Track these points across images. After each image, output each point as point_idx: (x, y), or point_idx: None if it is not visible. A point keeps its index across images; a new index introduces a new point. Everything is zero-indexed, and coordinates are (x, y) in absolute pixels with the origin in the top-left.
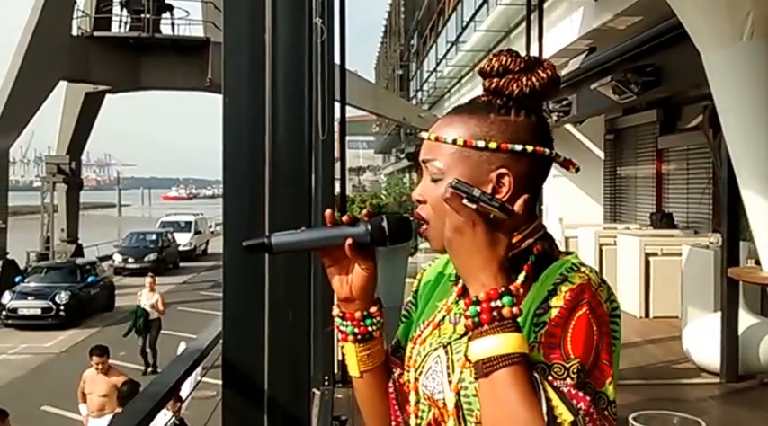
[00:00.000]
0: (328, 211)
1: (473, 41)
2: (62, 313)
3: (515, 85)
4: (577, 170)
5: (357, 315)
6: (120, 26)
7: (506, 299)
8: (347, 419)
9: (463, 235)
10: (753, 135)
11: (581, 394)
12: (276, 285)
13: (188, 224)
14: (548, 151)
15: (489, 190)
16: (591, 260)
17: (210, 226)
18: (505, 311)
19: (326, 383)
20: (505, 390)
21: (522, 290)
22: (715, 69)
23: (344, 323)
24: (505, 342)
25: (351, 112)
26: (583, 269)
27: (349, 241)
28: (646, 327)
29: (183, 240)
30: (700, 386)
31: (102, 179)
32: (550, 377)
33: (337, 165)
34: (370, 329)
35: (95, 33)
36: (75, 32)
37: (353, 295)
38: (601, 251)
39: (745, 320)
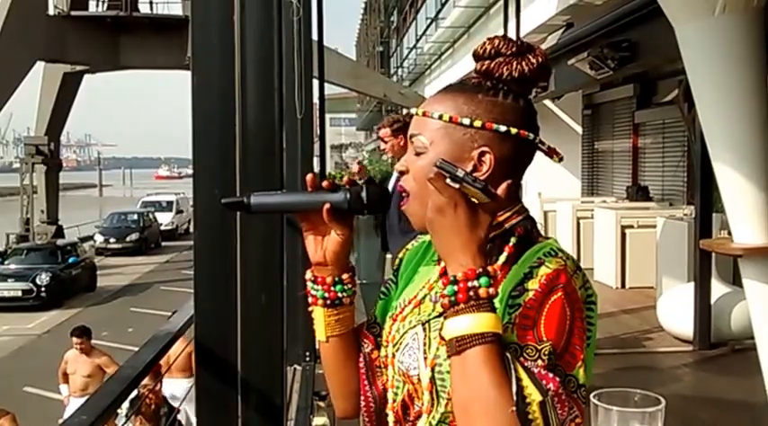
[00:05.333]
0: (310, 175)
1: (452, 18)
2: (43, 294)
3: (505, 68)
4: (561, 159)
5: (329, 280)
6: (97, 5)
7: (483, 280)
8: (327, 394)
9: (445, 215)
10: (724, 109)
11: (551, 375)
12: (248, 266)
13: (169, 203)
14: (531, 136)
15: (470, 168)
16: (569, 233)
17: (193, 205)
18: (482, 291)
19: (308, 359)
20: (477, 368)
21: (500, 272)
22: (687, 44)
23: (316, 286)
24: (480, 322)
25: (333, 90)
26: (560, 254)
27: (327, 206)
28: (621, 297)
29: (165, 219)
30: (673, 354)
31: (83, 159)
32: (522, 358)
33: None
34: (340, 295)
35: (72, 12)
36: (51, 12)
37: (327, 260)
38: (578, 224)
39: (718, 289)
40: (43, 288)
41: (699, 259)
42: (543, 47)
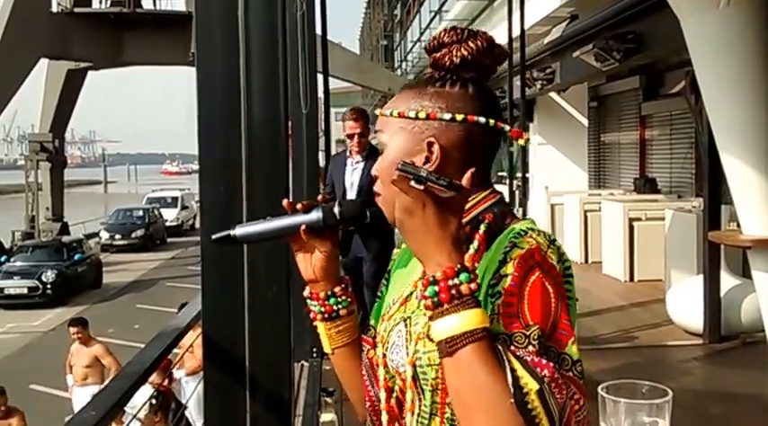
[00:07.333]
0: (285, 201)
1: (456, 11)
2: (49, 291)
3: (447, 57)
4: (527, 141)
5: (322, 295)
6: (100, 1)
7: (463, 276)
8: (335, 390)
9: (414, 216)
10: (731, 100)
11: (544, 361)
12: (255, 262)
13: (174, 199)
14: (482, 120)
15: (423, 159)
16: (576, 226)
17: (198, 201)
18: (464, 288)
19: (315, 355)
20: (470, 367)
21: (477, 264)
22: (693, 36)
23: (312, 302)
24: (467, 319)
25: (337, 84)
26: (531, 233)
27: (303, 227)
28: (630, 291)
29: (170, 215)
30: (684, 347)
31: (87, 156)
32: (513, 347)
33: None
34: (335, 308)
35: (75, 9)
36: (54, 9)
37: (317, 276)
38: (586, 217)
39: (727, 282)
40: (49, 286)
41: (708, 251)
42: (548, 39)
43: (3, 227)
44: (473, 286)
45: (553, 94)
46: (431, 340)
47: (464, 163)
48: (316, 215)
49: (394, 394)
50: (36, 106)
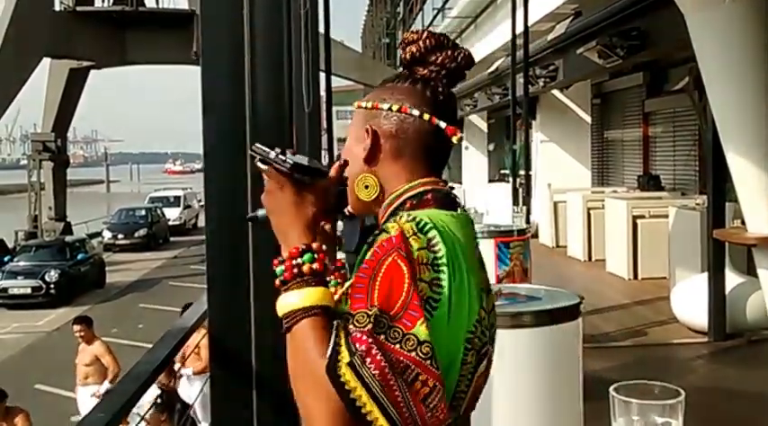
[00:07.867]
0: None
1: (459, 8)
2: (52, 291)
3: (403, 55)
4: (460, 139)
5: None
6: (103, 0)
7: (307, 256)
8: None
9: (273, 196)
10: (735, 97)
11: (364, 337)
12: (261, 260)
13: (177, 198)
14: (415, 112)
15: (365, 145)
16: (579, 224)
17: (200, 200)
18: (305, 267)
19: None
20: (302, 341)
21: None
22: (698, 32)
23: None
24: (305, 296)
25: (339, 82)
26: (401, 219)
27: None
28: (634, 289)
29: (173, 215)
30: (688, 345)
31: (90, 155)
32: (351, 326)
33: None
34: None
35: (78, 8)
36: (57, 8)
37: None
38: (589, 214)
39: (732, 280)
40: (52, 286)
41: (712, 249)
42: (551, 36)
43: (6, 227)
44: (315, 266)
45: (556, 92)
46: None
47: (396, 151)
48: None
49: None
50: (38, 105)
